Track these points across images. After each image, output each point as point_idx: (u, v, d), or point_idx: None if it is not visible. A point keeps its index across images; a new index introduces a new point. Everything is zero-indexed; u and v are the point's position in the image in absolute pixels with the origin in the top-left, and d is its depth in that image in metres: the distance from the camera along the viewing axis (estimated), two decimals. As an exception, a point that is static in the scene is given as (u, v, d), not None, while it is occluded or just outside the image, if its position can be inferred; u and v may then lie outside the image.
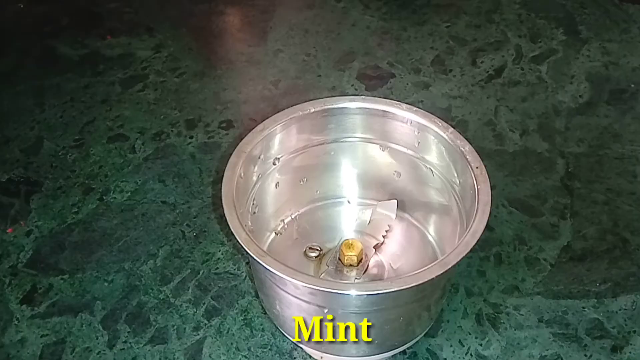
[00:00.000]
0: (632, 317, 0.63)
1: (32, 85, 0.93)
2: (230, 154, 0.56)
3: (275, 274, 0.48)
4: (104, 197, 0.77)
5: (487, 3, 1.05)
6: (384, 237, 0.63)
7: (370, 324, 0.52)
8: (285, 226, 0.66)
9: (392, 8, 1.05)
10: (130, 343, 0.63)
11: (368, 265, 0.61)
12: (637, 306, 0.64)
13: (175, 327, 0.64)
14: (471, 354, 0.61)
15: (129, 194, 0.77)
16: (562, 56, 0.95)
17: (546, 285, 0.66)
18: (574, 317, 0.63)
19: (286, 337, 0.60)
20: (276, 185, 0.63)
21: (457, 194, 0.58)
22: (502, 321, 0.63)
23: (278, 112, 0.59)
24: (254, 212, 0.60)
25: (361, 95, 0.88)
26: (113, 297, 0.66)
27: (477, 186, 0.53)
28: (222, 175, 0.54)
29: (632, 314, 0.64)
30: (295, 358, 0.61)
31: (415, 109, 0.59)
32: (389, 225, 0.63)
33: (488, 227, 0.50)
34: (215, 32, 1.04)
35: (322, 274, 0.60)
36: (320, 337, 0.54)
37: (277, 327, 0.61)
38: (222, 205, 0.52)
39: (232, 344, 0.62)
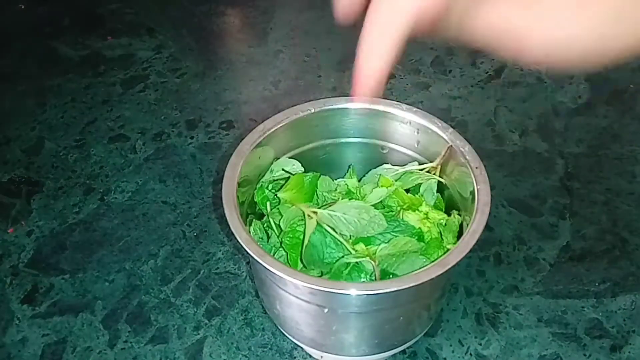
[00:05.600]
0: (632, 317, 0.63)
1: (33, 85, 0.93)
2: (231, 154, 0.56)
3: (275, 273, 0.48)
4: (105, 197, 0.77)
5: (487, 4, 1.05)
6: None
7: (370, 323, 0.52)
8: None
9: (392, 9, 1.05)
10: (131, 343, 0.63)
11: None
12: (636, 306, 0.64)
13: (175, 326, 0.64)
14: (470, 354, 0.61)
15: (130, 194, 0.77)
16: (562, 57, 0.95)
17: (545, 285, 0.66)
18: (573, 317, 0.64)
19: (286, 336, 0.60)
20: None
21: (458, 194, 0.58)
22: (501, 321, 0.63)
23: (278, 112, 0.59)
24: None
25: (361, 95, 0.88)
26: (114, 296, 0.67)
27: (476, 186, 0.53)
28: (223, 176, 0.54)
29: (631, 314, 0.64)
30: (295, 358, 0.61)
31: (415, 109, 0.59)
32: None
33: (487, 227, 0.50)
34: (216, 33, 1.04)
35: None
36: (321, 337, 0.55)
37: (278, 327, 0.61)
38: (222, 205, 0.52)
39: (232, 343, 0.63)
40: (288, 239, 0.55)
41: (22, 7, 1.08)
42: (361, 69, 0.44)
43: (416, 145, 0.61)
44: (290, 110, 0.59)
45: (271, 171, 0.60)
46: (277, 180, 0.60)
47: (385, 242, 0.55)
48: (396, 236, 0.55)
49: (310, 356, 0.61)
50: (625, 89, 0.90)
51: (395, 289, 0.47)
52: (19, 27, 1.04)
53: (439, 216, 0.58)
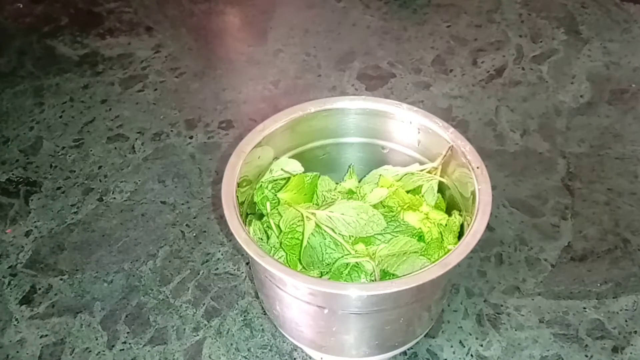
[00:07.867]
0: (633, 318, 0.63)
1: (31, 85, 0.93)
2: (230, 154, 0.55)
3: (275, 274, 0.48)
4: (104, 198, 0.76)
5: (488, 3, 1.05)
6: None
7: (370, 324, 0.52)
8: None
9: (393, 8, 1.05)
10: (129, 344, 0.62)
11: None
12: (638, 307, 0.64)
13: (174, 327, 0.64)
14: (472, 355, 0.61)
15: (129, 194, 0.77)
16: (563, 56, 0.95)
17: (547, 286, 0.66)
18: (574, 318, 0.63)
19: (286, 337, 0.60)
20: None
21: (459, 194, 0.58)
22: (502, 322, 0.63)
23: (278, 112, 0.59)
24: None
25: (361, 95, 0.87)
26: (112, 297, 0.66)
27: (477, 186, 0.53)
28: (222, 176, 0.54)
29: (633, 315, 0.63)
30: (295, 359, 0.61)
31: (415, 109, 0.59)
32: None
33: (489, 227, 0.50)
34: (215, 32, 1.04)
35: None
36: (321, 338, 0.54)
37: (277, 328, 0.61)
38: (222, 206, 0.51)
39: (232, 344, 0.62)
40: (287, 239, 0.55)
41: (21, 5, 1.08)
42: None
43: (417, 145, 0.60)
44: (290, 109, 0.59)
45: (271, 171, 0.60)
46: (276, 180, 0.60)
47: (386, 243, 0.54)
48: (396, 236, 0.55)
49: (310, 357, 0.61)
50: (627, 89, 0.89)
51: (396, 289, 0.46)
52: (17, 25, 1.04)
53: (439, 216, 0.58)
